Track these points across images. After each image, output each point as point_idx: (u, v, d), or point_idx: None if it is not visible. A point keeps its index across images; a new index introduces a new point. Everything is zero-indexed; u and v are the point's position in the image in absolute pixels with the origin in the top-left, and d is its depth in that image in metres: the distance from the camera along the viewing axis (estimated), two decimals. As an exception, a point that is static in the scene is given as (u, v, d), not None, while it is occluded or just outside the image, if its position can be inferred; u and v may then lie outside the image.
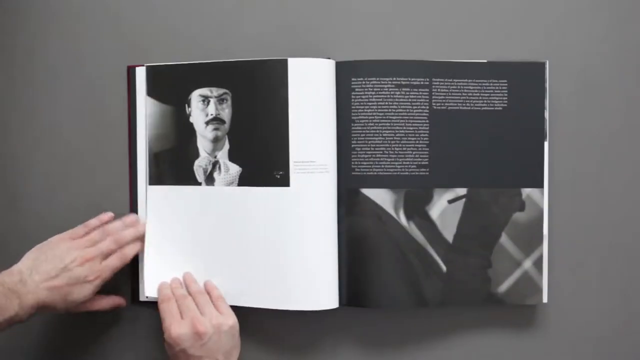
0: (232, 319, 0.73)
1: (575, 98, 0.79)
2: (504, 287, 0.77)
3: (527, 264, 0.76)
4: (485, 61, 0.76)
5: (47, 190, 0.80)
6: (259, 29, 0.79)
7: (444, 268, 0.76)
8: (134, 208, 0.79)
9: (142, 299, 0.79)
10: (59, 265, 0.70)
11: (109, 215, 0.77)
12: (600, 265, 0.79)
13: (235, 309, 0.76)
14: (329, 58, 0.75)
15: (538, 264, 0.77)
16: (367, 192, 0.76)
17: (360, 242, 0.76)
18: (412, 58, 0.77)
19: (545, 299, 0.77)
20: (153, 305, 0.79)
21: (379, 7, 0.79)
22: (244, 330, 0.80)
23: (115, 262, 0.74)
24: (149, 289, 0.78)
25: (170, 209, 0.78)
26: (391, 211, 0.76)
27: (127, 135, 0.79)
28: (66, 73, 0.80)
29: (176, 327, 0.70)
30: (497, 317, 0.79)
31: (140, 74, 0.78)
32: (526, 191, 0.76)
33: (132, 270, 0.79)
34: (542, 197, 0.76)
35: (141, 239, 0.77)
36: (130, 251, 0.76)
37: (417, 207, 0.76)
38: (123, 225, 0.76)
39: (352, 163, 0.75)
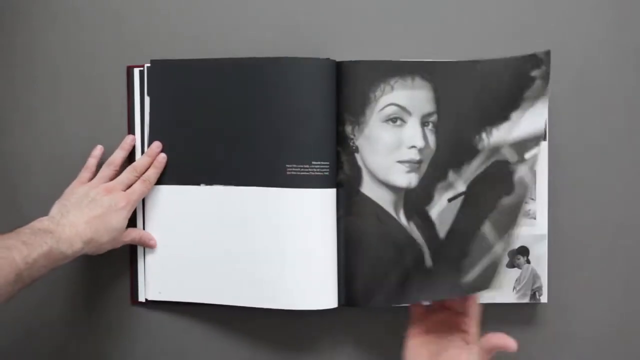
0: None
1: (575, 98, 0.79)
2: (474, 274, 0.70)
3: (499, 248, 0.69)
4: (485, 60, 0.76)
5: (47, 190, 0.80)
6: (259, 28, 0.79)
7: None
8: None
9: (141, 299, 0.79)
10: (86, 201, 0.71)
11: (100, 148, 0.78)
12: (600, 265, 0.79)
13: (235, 308, 0.76)
14: (329, 58, 0.75)
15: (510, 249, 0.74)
16: (367, 192, 0.76)
17: (359, 241, 0.76)
18: (412, 58, 0.77)
19: (545, 299, 0.77)
20: (152, 305, 0.79)
21: (379, 7, 0.79)
22: (243, 330, 0.80)
23: (140, 187, 0.75)
24: (150, 290, 0.79)
25: (169, 208, 0.78)
26: (391, 211, 0.76)
27: (127, 134, 0.79)
28: (66, 73, 0.80)
29: None
30: (496, 316, 0.79)
31: (141, 72, 0.78)
32: (519, 174, 0.71)
33: (131, 271, 0.79)
34: (533, 177, 0.72)
35: (155, 163, 0.77)
36: (151, 174, 0.76)
37: (417, 207, 0.75)
38: (124, 153, 0.77)
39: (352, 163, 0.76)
